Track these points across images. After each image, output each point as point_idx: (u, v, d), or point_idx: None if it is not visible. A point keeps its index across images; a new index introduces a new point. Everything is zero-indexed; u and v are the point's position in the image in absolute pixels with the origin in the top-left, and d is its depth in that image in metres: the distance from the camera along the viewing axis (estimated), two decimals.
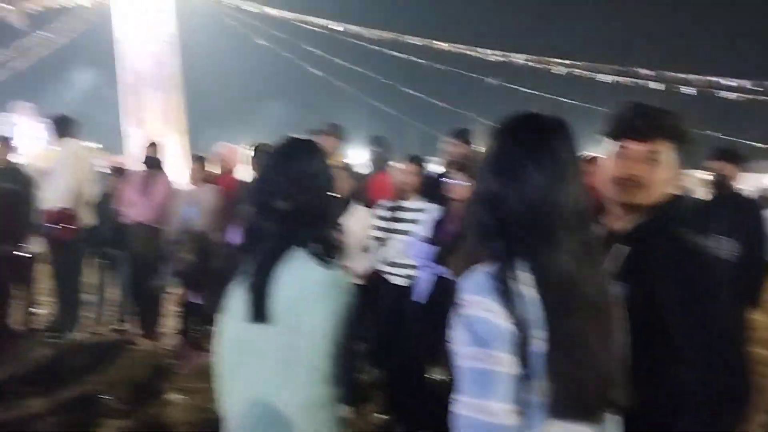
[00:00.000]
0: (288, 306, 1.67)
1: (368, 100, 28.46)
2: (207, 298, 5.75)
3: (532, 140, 1.38)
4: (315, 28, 25.95)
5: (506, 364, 1.24)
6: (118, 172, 6.81)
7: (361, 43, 26.81)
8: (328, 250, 1.76)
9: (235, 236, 5.54)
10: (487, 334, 1.26)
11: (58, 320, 6.05)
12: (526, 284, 1.28)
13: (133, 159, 23.08)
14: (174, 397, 4.72)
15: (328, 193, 1.89)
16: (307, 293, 1.68)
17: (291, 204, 1.78)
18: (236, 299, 1.80)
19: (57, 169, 5.68)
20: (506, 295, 1.26)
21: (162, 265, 5.87)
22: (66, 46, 30.61)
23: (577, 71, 22.33)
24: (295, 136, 2.00)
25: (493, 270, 1.31)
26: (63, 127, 5.89)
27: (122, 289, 6.41)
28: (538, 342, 1.25)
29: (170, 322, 6.22)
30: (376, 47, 26.64)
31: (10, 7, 26.45)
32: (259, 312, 1.70)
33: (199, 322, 5.80)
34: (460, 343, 1.31)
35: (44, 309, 6.38)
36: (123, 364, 5.46)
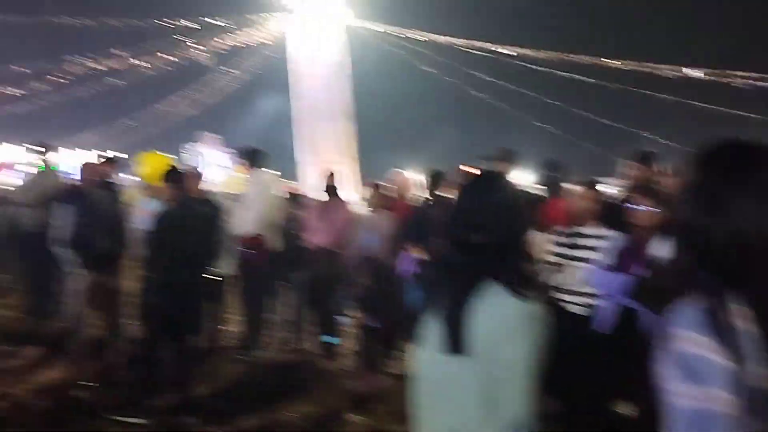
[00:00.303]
0: (484, 339, 1.69)
1: (534, 122, 27.97)
2: (383, 322, 5.94)
3: (738, 169, 1.30)
4: (479, 52, 25.97)
5: (726, 403, 1.17)
6: (295, 198, 7.26)
7: (526, 64, 26.43)
8: (522, 282, 1.76)
9: (407, 263, 5.68)
10: (703, 372, 1.19)
11: (246, 339, 6.50)
12: (741, 318, 1.21)
13: (308, 185, 24.41)
14: (354, 417, 4.88)
15: (520, 224, 1.90)
16: (503, 326, 1.69)
17: (485, 237, 1.81)
18: (431, 331, 1.84)
19: (248, 197, 6.16)
20: (722, 329, 1.20)
21: (341, 288, 6.13)
22: (247, 81, 33.19)
23: (762, 83, 20.52)
24: (485, 168, 2.04)
25: (705, 304, 1.25)
26: (253, 158, 6.38)
27: (303, 310, 6.78)
28: (760, 379, 1.17)
29: (349, 343, 6.47)
30: (542, 68, 26.13)
31: (201, 47, 29.20)
32: (456, 344, 1.73)
33: (376, 345, 6.00)
34: (671, 380, 1.25)
35: (233, 328, 6.88)
36: (305, 383, 5.72)
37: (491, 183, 1.94)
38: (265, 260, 6.13)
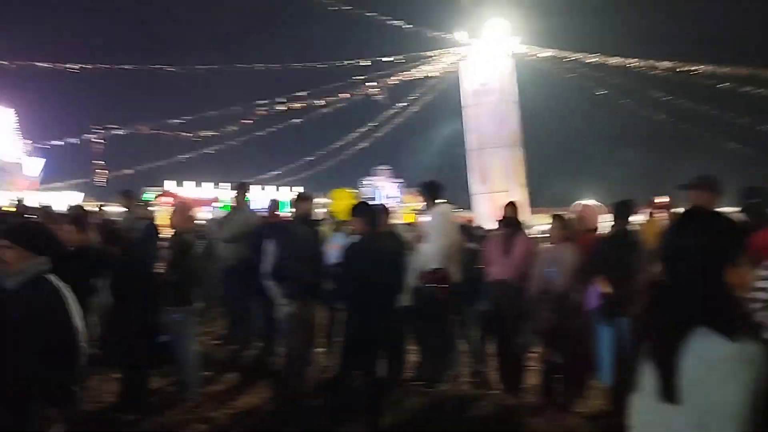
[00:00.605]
0: (696, 384, 1.59)
1: (719, 142, 25.95)
2: (567, 358, 5.74)
3: None
4: (658, 72, 24.61)
5: None
6: (471, 229, 7.24)
7: (710, 82, 24.65)
8: (733, 322, 1.64)
9: (593, 297, 5.45)
10: None
11: (427, 371, 6.55)
12: None
13: (481, 215, 24.37)
14: None
15: (731, 261, 1.78)
16: (714, 370, 1.58)
17: (693, 276, 1.74)
18: (646, 376, 1.76)
19: (430, 232, 6.25)
20: None
21: (524, 322, 6.01)
22: (421, 115, 34.07)
23: None
24: (695, 207, 1.94)
25: None
26: (433, 191, 6.48)
27: (483, 344, 6.73)
28: None
29: (532, 378, 6.31)
30: (728, 84, 24.23)
31: (374, 83, 30.43)
32: (667, 391, 1.65)
33: (560, 381, 5.81)
34: None
35: (412, 359, 6.96)
36: (486, 418, 5.67)
37: (700, 222, 1.85)
38: (447, 293, 6.16)
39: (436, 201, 6.42)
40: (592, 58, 26.67)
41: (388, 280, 5.33)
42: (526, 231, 6.57)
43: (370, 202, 6.73)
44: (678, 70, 24.36)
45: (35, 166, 48.32)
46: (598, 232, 6.15)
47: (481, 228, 8.91)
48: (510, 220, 6.34)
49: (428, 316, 6.38)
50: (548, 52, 29.35)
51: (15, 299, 2.95)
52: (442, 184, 6.57)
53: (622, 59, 25.85)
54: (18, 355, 2.86)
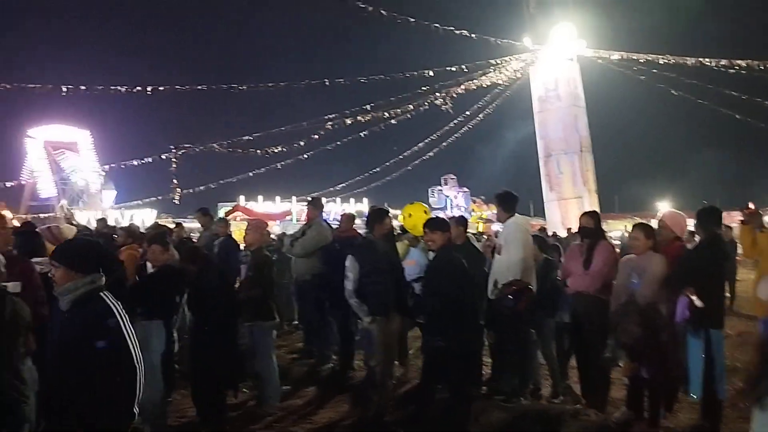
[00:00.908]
0: None
1: None
2: (654, 372, 5.53)
3: None
4: (738, 71, 23.61)
5: None
6: (548, 239, 7.09)
7: None
8: None
9: (683, 308, 5.23)
10: None
11: (505, 385, 6.42)
12: None
13: (553, 223, 23.96)
14: None
15: None
16: None
17: None
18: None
19: (505, 243, 6.15)
20: None
21: (608, 336, 5.82)
22: (485, 121, 33.88)
23: None
24: None
25: None
26: (508, 202, 6.38)
27: (564, 358, 6.56)
28: None
29: (617, 393, 6.10)
30: None
31: (439, 93, 30.42)
32: None
33: (646, 396, 5.59)
34: None
35: (490, 373, 6.85)
36: None
37: None
38: (524, 305, 6.04)
39: (512, 212, 6.30)
40: (665, 59, 25.80)
41: (467, 294, 5.28)
42: (607, 240, 6.36)
43: (443, 215, 6.67)
44: (761, 67, 23.26)
45: (108, 197, 50.64)
46: (683, 241, 5.91)
47: (557, 237, 8.75)
48: (589, 230, 6.16)
49: (505, 329, 6.27)
50: (617, 55, 28.66)
51: (67, 319, 2.99)
52: (516, 195, 6.47)
53: (698, 59, 24.90)
54: (73, 374, 2.88)
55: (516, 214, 6.39)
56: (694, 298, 5.01)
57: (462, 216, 7.19)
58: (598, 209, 25.34)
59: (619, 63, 28.59)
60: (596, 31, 28.70)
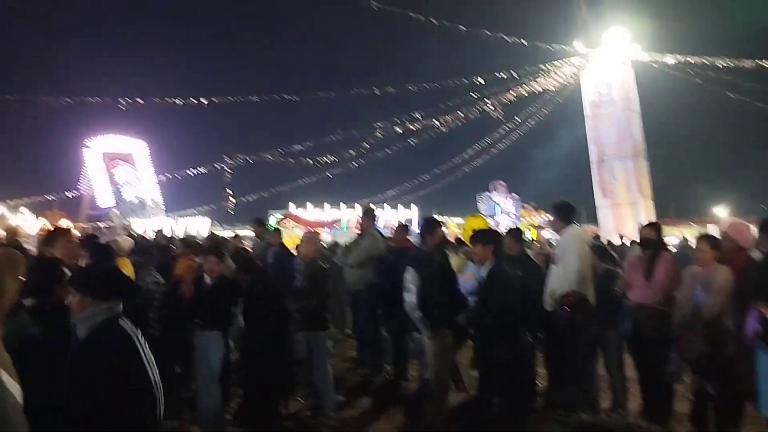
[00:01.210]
0: None
1: None
2: (720, 388, 5.34)
3: None
4: None
5: None
6: (606, 249, 6.92)
7: None
8: None
9: (753, 322, 5.03)
10: None
11: (563, 398, 6.29)
12: None
13: (605, 229, 23.51)
14: None
15: None
16: None
17: None
18: None
19: (562, 254, 6.03)
20: None
21: (671, 349, 5.65)
22: (535, 127, 33.54)
23: None
24: None
25: None
26: (565, 212, 6.25)
27: (623, 371, 6.40)
28: None
29: (681, 407, 5.92)
30: None
31: (489, 101, 30.24)
32: None
33: (712, 413, 5.40)
34: None
35: (548, 386, 6.71)
36: None
37: None
38: (583, 318, 5.91)
39: (569, 222, 6.18)
40: (722, 62, 25.06)
41: (519, 307, 5.21)
42: (670, 251, 6.19)
43: (492, 221, 6.58)
44: None
45: (161, 206, 52.13)
46: (749, 251, 5.68)
47: (611, 245, 8.54)
48: (650, 241, 6.00)
49: (563, 341, 6.15)
50: (672, 58, 28.00)
51: (84, 346, 2.88)
52: (573, 205, 6.35)
53: (756, 61, 24.12)
54: (90, 402, 2.76)
55: (575, 224, 6.27)
56: (764, 310, 4.81)
57: (517, 228, 7.08)
58: (653, 215, 24.88)
59: (674, 66, 27.94)
60: (650, 34, 28.09)
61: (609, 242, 15.85)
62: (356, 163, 33.45)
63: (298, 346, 6.27)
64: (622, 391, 6.48)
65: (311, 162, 31.84)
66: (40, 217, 33.06)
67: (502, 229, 9.03)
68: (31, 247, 8.41)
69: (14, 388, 2.48)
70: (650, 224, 6.18)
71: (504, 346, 5.01)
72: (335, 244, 11.23)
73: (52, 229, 6.10)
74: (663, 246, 6.07)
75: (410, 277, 5.52)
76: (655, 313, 5.70)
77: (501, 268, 5.35)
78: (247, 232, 18.34)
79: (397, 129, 29.79)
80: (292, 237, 16.56)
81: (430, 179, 38.75)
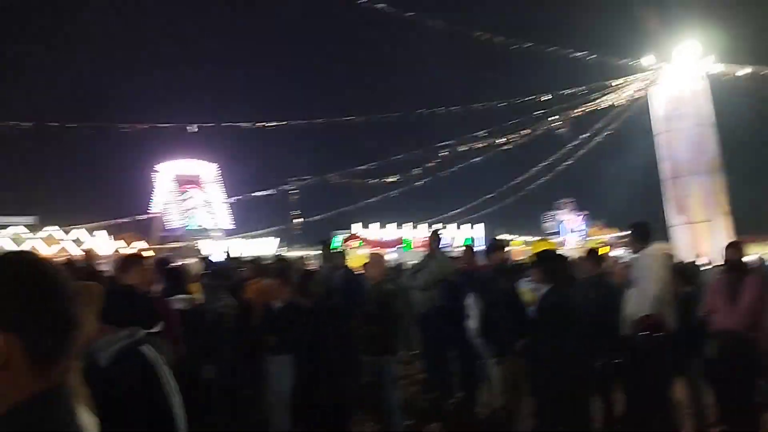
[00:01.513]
0: None
1: None
2: None
3: None
4: None
5: None
6: (686, 271, 6.62)
7: None
8: None
9: None
10: None
11: (640, 426, 6.00)
12: None
13: (679, 248, 22.67)
14: None
15: None
16: None
17: None
18: None
19: (640, 275, 5.79)
20: None
21: (758, 377, 5.33)
22: (604, 143, 32.79)
23: None
24: None
25: None
26: (642, 233, 6.02)
27: (707, 400, 6.07)
28: None
29: None
30: None
31: (555, 117, 29.80)
32: None
33: None
34: None
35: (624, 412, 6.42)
36: None
37: None
38: (661, 342, 5.64)
39: (647, 243, 5.93)
40: None
41: (584, 331, 5.01)
42: (757, 274, 5.85)
43: (558, 240, 6.40)
44: None
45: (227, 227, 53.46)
46: None
47: (705, 271, 8.17)
48: (735, 263, 5.69)
49: (640, 367, 5.88)
50: (747, 70, 26.96)
51: (105, 375, 2.76)
52: (651, 225, 6.10)
53: None
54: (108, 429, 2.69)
55: (653, 245, 6.02)
56: None
57: (593, 249, 6.83)
58: (732, 233, 23.81)
59: (749, 77, 26.91)
60: (723, 46, 27.10)
61: (693, 263, 15.28)
62: (422, 182, 33.46)
63: (366, 370, 6.21)
64: (703, 420, 6.15)
65: (377, 182, 32.06)
66: (116, 239, 34.40)
67: (568, 249, 8.80)
68: (107, 268, 8.66)
69: (91, 423, 2.47)
70: (733, 243, 5.87)
71: (556, 375, 4.80)
72: (400, 265, 11.15)
73: (128, 254, 6.26)
74: (747, 267, 5.75)
75: (471, 303, 5.39)
76: (742, 338, 5.39)
77: (553, 293, 5.15)
78: (314, 252, 18.53)
79: (462, 148, 29.66)
80: (358, 257, 16.64)
81: (497, 197, 38.32)
